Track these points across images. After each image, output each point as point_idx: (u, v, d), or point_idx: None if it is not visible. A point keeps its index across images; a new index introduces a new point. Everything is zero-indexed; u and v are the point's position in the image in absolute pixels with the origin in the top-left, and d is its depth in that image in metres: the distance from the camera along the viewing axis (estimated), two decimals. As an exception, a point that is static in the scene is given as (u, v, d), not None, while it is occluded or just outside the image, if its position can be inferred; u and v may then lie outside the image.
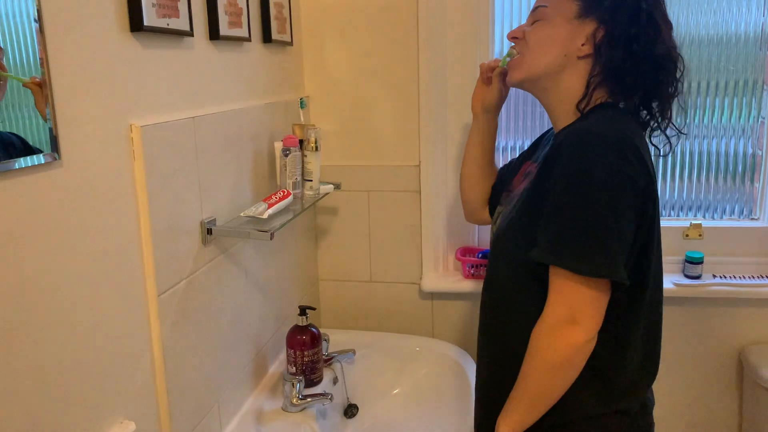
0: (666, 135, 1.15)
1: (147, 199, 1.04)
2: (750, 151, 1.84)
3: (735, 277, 1.82)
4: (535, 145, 1.36)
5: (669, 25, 1.10)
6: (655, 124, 1.14)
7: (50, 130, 0.84)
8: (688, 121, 1.78)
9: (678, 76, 1.11)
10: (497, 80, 1.37)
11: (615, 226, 0.99)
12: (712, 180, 1.88)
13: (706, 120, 1.84)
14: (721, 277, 1.83)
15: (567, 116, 1.15)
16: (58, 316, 0.87)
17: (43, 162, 0.83)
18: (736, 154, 1.85)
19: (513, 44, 1.23)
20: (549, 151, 1.08)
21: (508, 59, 1.26)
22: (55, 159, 0.85)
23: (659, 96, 1.11)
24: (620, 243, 1.00)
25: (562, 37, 1.11)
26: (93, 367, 0.95)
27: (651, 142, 1.15)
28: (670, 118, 1.14)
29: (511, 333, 1.15)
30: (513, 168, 1.37)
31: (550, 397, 1.06)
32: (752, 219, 1.88)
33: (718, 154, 1.86)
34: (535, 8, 1.17)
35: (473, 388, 1.57)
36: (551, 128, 1.35)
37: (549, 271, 1.04)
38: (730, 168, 1.86)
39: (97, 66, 0.94)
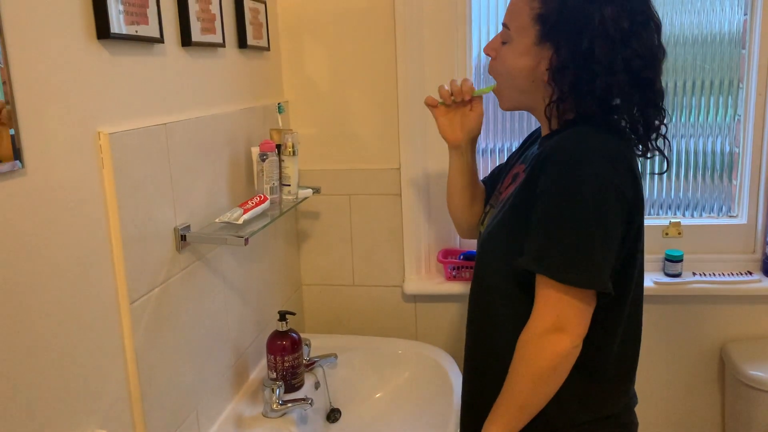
0: (654, 145, 1.12)
1: (117, 206, 1.04)
2: (728, 149, 1.86)
3: (715, 275, 1.83)
4: (524, 145, 1.35)
5: (634, 34, 1.03)
6: (637, 136, 1.10)
7: (12, 137, 0.83)
8: (670, 121, 1.79)
9: (642, 86, 1.06)
10: (480, 104, 1.32)
11: (602, 237, 1.00)
12: (691, 178, 1.89)
13: (684, 119, 1.86)
14: (701, 274, 1.84)
15: (553, 124, 1.15)
16: (26, 324, 0.87)
17: (5, 171, 0.82)
18: (714, 153, 1.87)
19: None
20: (536, 158, 1.08)
21: (490, 89, 1.25)
22: (18, 167, 0.84)
23: (626, 109, 1.07)
24: (606, 254, 1.01)
25: (525, 65, 1.12)
26: (64, 376, 0.94)
27: (655, 148, 1.11)
28: (650, 129, 1.09)
29: (497, 338, 1.15)
30: (501, 171, 1.37)
31: (536, 404, 1.06)
32: (731, 216, 1.90)
33: (696, 152, 1.87)
34: (503, 24, 1.16)
35: (456, 390, 1.58)
36: (539, 128, 1.36)
37: (536, 278, 1.04)
38: (709, 166, 1.88)
39: (61, 74, 0.93)
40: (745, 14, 1.76)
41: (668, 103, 1.81)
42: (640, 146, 1.11)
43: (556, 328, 1.02)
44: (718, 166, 1.87)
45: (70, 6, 0.95)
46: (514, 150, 1.40)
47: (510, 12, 1.15)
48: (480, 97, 1.32)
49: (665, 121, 1.10)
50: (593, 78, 1.03)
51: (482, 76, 1.87)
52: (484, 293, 1.19)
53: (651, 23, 1.05)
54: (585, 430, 1.13)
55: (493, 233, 1.16)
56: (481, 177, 1.45)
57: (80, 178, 0.98)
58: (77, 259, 0.97)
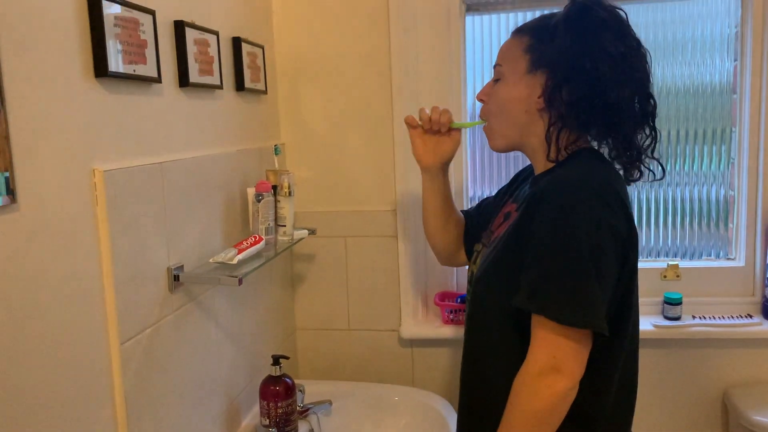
0: (646, 166, 1.13)
1: (110, 244, 1.02)
2: (722, 194, 1.86)
3: (715, 318, 1.81)
4: (514, 182, 1.36)
5: (629, 54, 1.07)
6: (633, 157, 1.11)
7: (5, 174, 0.82)
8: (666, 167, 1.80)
9: (637, 106, 1.08)
10: (458, 132, 1.35)
11: (597, 276, 0.99)
12: (687, 225, 1.89)
13: (678, 167, 1.87)
14: (701, 317, 1.82)
15: (546, 163, 1.15)
16: (13, 362, 0.84)
17: (-3, 205, 0.81)
18: (709, 200, 1.87)
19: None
20: (530, 197, 1.08)
21: (476, 125, 1.29)
22: (10, 203, 0.83)
23: (624, 128, 1.09)
24: (602, 293, 1.00)
25: (518, 95, 1.14)
26: (51, 415, 0.91)
27: (645, 165, 1.13)
28: (646, 148, 1.12)
29: (491, 378, 1.13)
30: (492, 205, 1.37)
31: None
32: (728, 259, 1.89)
33: (692, 200, 1.88)
34: (495, 65, 1.20)
35: (454, 437, 1.54)
36: (529, 165, 1.36)
37: (532, 318, 1.03)
38: (704, 212, 1.88)
39: (58, 110, 0.93)
40: (735, 60, 1.80)
41: (662, 150, 1.83)
42: (634, 170, 1.12)
43: (552, 368, 1.00)
44: (713, 213, 1.88)
45: (69, 44, 0.96)
46: (503, 186, 1.41)
47: (501, 52, 1.19)
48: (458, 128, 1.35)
49: (657, 139, 1.12)
50: (592, 91, 1.05)
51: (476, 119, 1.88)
52: (478, 332, 1.18)
53: (641, 48, 1.09)
54: None
55: (487, 272, 1.15)
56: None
57: (74, 215, 0.96)
58: (68, 296, 0.95)
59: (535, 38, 1.13)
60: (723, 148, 1.84)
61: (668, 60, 1.82)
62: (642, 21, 1.80)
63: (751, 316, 1.81)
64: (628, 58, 1.06)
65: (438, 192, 1.40)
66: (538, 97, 1.11)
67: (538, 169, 1.19)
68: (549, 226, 1.01)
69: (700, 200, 1.87)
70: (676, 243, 1.90)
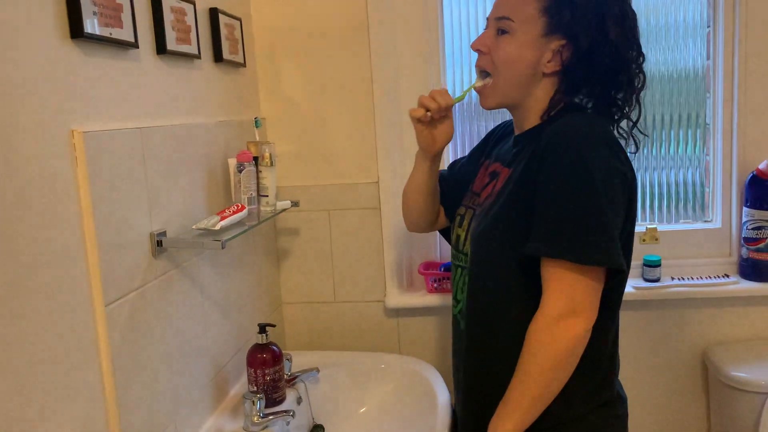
0: (631, 135, 1.18)
1: (91, 205, 1.03)
2: (698, 176, 1.90)
3: (693, 278, 1.85)
4: (487, 143, 1.37)
5: (631, 23, 1.12)
6: (621, 120, 1.17)
7: (-17, 128, 0.83)
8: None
9: (638, 71, 1.14)
10: (449, 119, 1.28)
11: (612, 217, 1.04)
12: (665, 209, 1.93)
13: (654, 151, 1.90)
14: (679, 278, 1.85)
15: (535, 120, 1.18)
16: (-6, 320, 0.85)
17: (-25, 160, 0.81)
18: (686, 182, 1.91)
19: (478, 68, 1.20)
20: (535, 148, 1.09)
21: (471, 90, 1.24)
22: (-11, 158, 0.84)
23: (624, 93, 1.14)
24: (616, 233, 1.04)
25: (529, 57, 1.13)
26: (37, 379, 0.92)
27: (631, 136, 1.19)
28: (636, 114, 1.17)
29: (503, 332, 1.14)
30: (465, 169, 1.38)
31: (551, 393, 1.05)
32: (705, 221, 1.92)
33: (668, 183, 1.92)
34: (499, 18, 1.15)
35: (442, 402, 1.56)
36: (501, 125, 1.38)
37: (543, 265, 1.06)
38: (681, 196, 1.92)
39: (34, 70, 0.93)
40: (708, 26, 1.82)
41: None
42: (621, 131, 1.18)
43: (570, 311, 1.03)
44: (690, 196, 1.93)
45: (43, 3, 0.95)
46: (474, 147, 1.40)
47: (510, 5, 1.14)
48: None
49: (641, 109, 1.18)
50: (612, 61, 1.10)
51: (456, 89, 1.90)
52: (482, 291, 1.18)
53: (629, 16, 1.13)
54: (587, 421, 1.12)
55: (488, 229, 1.15)
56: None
57: (53, 176, 0.96)
58: (50, 257, 0.95)
59: None
60: (698, 132, 1.88)
61: (644, 46, 1.84)
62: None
63: (728, 276, 1.85)
64: (632, 19, 1.12)
65: (434, 173, 1.35)
66: (548, 62, 1.13)
67: (526, 126, 1.20)
68: (564, 174, 1.04)
69: (677, 183, 1.92)
70: (654, 205, 1.94)
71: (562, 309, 1.03)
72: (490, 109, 1.24)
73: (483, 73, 1.20)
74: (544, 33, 1.12)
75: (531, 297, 1.08)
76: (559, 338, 1.03)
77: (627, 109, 1.15)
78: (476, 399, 1.22)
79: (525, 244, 1.07)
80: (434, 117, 1.25)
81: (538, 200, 1.06)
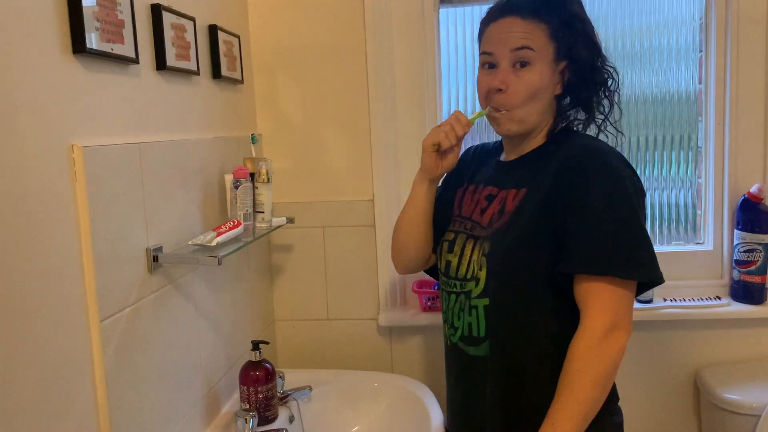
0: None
1: (89, 220, 1.02)
2: (690, 197, 1.92)
3: (685, 300, 1.86)
4: (467, 167, 1.35)
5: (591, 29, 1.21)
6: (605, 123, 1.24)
7: (-16, 141, 0.83)
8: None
9: (614, 83, 1.22)
10: (459, 146, 1.26)
11: (647, 233, 1.10)
12: (657, 229, 1.94)
13: (647, 172, 1.92)
14: (672, 300, 1.86)
15: (540, 140, 1.22)
16: (-11, 335, 0.84)
17: (-25, 173, 0.81)
18: (678, 204, 1.93)
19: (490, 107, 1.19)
20: (558, 168, 1.12)
21: (482, 115, 1.21)
22: (-11, 171, 0.83)
23: (607, 98, 1.22)
24: (653, 248, 1.10)
25: (549, 82, 1.17)
26: (30, 392, 0.91)
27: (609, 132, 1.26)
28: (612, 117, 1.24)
29: (530, 350, 1.16)
30: (446, 196, 1.35)
31: (598, 409, 1.07)
32: (697, 243, 1.94)
33: (660, 204, 1.93)
34: (518, 48, 1.14)
35: (434, 421, 1.55)
36: (471, 150, 1.39)
37: (580, 282, 1.09)
38: (673, 216, 1.94)
39: (35, 84, 0.93)
40: (701, 51, 1.85)
41: (632, 157, 1.90)
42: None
43: (614, 326, 1.06)
44: (682, 217, 1.94)
45: (47, 18, 0.96)
46: (449, 174, 1.35)
47: (525, 34, 1.14)
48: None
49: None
50: (604, 76, 1.19)
51: (451, 107, 1.91)
52: (510, 309, 1.17)
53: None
54: (597, 426, 1.10)
55: (512, 250, 1.14)
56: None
57: (53, 191, 0.96)
58: (47, 271, 0.95)
59: (552, 24, 1.15)
60: (690, 154, 1.90)
61: (636, 68, 1.87)
62: (611, 31, 1.85)
63: (719, 298, 1.86)
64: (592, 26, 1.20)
65: (431, 197, 1.32)
66: (557, 84, 1.19)
67: (527, 148, 1.22)
68: (601, 193, 1.08)
69: (669, 205, 1.94)
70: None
71: (608, 324, 1.06)
72: (508, 135, 1.23)
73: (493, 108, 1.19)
74: (555, 58, 1.17)
75: (560, 313, 1.13)
76: (607, 353, 1.06)
77: (609, 112, 1.23)
78: (499, 414, 1.20)
79: (554, 262, 1.10)
80: (452, 144, 1.23)
81: (572, 219, 1.09)
